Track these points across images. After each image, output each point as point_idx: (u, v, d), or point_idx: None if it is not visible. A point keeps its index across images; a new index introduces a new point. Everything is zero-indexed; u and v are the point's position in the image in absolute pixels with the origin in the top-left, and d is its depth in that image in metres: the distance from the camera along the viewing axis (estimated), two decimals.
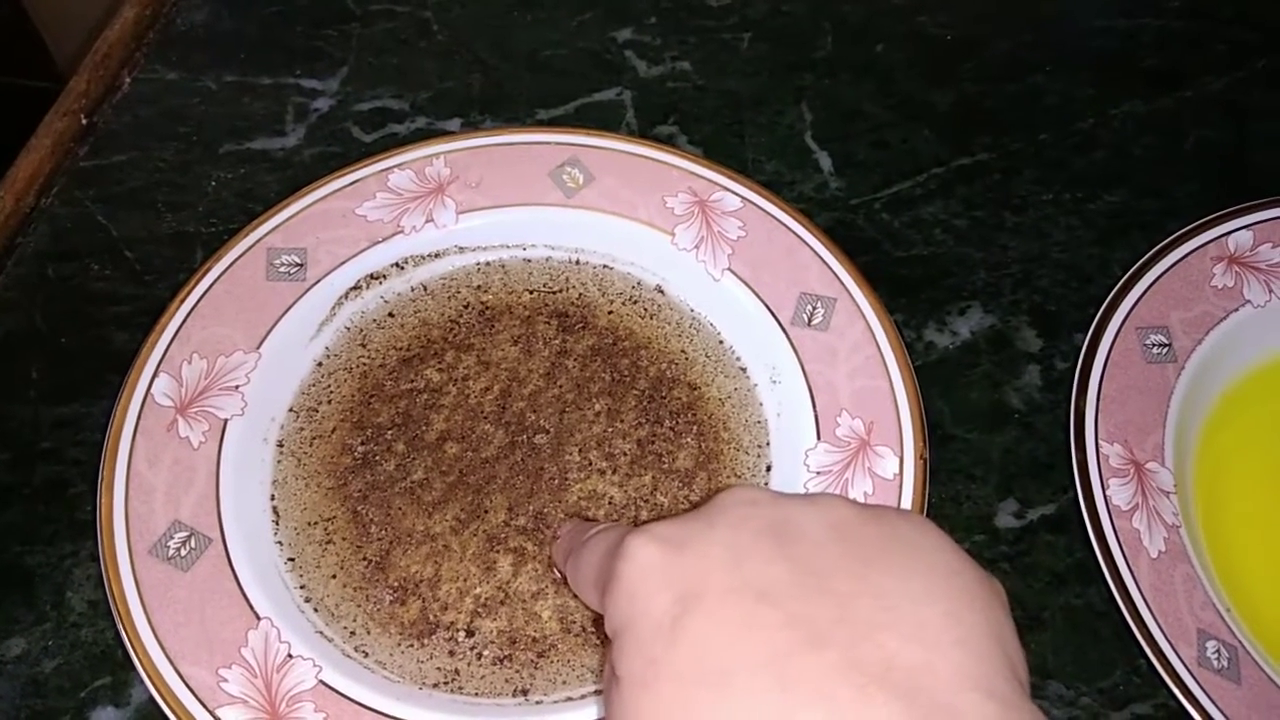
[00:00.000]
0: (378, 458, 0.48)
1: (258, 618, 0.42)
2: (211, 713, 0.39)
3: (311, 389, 0.50)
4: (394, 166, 0.54)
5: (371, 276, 0.52)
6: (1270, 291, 0.53)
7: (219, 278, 0.50)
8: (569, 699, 0.42)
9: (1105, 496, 0.46)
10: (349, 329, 0.51)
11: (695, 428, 0.49)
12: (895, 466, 0.46)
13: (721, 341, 0.52)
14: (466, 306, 0.53)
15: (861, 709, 0.25)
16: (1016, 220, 0.58)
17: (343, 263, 0.51)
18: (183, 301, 0.49)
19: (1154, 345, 0.50)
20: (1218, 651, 0.43)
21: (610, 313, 0.53)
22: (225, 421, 0.46)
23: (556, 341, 0.52)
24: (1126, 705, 0.44)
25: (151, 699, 0.40)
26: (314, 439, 0.48)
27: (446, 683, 0.42)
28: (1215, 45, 0.67)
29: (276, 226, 0.52)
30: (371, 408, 0.49)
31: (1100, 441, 0.47)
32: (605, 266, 0.54)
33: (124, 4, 0.64)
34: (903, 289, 0.55)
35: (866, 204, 0.59)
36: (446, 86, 0.62)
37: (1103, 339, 0.50)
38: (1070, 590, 0.47)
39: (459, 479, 0.48)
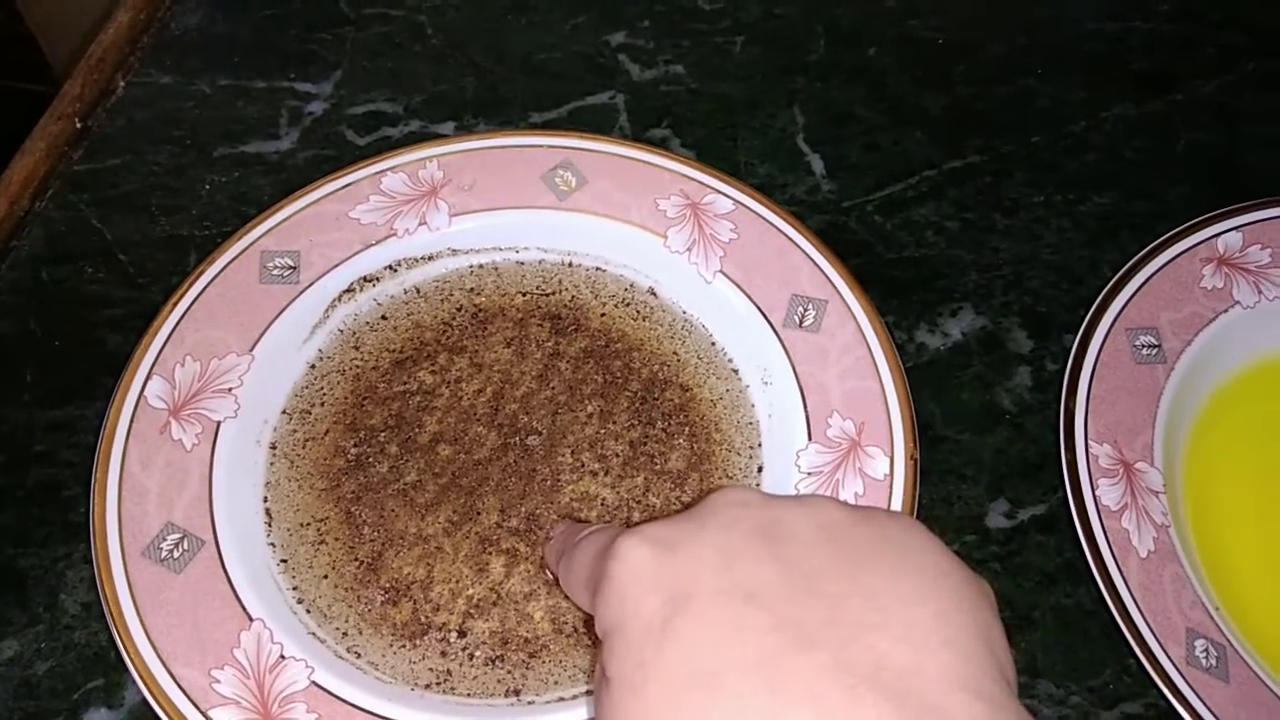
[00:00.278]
0: (370, 459, 0.48)
1: (250, 619, 0.42)
2: (204, 713, 0.39)
3: (304, 391, 0.50)
4: (387, 169, 0.54)
5: (364, 279, 0.52)
6: (1260, 293, 0.53)
7: (212, 280, 0.50)
8: (561, 699, 0.42)
9: (1095, 496, 0.46)
10: (342, 331, 0.52)
11: (687, 429, 0.49)
12: (886, 467, 0.46)
13: (713, 343, 0.52)
14: (459, 309, 0.53)
15: (851, 710, 0.25)
16: (1008, 222, 0.59)
17: (336, 265, 0.52)
18: (176, 304, 0.49)
19: (1144, 346, 0.51)
20: (1206, 650, 0.43)
21: (603, 315, 0.53)
22: (218, 424, 0.47)
23: (549, 344, 0.52)
24: (1116, 704, 0.44)
25: (144, 700, 0.40)
26: (307, 441, 0.48)
27: (439, 683, 0.42)
28: (1205, 48, 0.67)
29: (270, 229, 0.52)
30: (364, 410, 0.49)
31: (1090, 442, 0.47)
32: (598, 269, 0.54)
33: (118, 8, 0.64)
34: (894, 291, 0.55)
35: (858, 206, 0.59)
36: (440, 90, 0.63)
37: (1092, 340, 0.50)
38: (1060, 590, 0.47)
39: (452, 481, 0.48)
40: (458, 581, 0.45)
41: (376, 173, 0.54)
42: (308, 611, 0.44)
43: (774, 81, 0.64)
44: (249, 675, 0.40)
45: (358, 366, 0.51)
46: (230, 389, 0.47)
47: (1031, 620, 0.46)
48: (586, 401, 0.50)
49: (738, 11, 0.68)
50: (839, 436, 0.47)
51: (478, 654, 0.43)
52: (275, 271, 0.51)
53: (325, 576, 0.45)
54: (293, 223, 0.52)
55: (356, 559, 0.45)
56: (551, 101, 0.62)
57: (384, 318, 0.52)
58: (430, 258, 0.53)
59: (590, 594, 0.32)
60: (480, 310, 0.53)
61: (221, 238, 0.53)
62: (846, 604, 0.27)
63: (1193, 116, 0.64)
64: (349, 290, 0.52)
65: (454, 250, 0.54)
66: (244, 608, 0.42)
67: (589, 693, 0.42)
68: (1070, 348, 0.51)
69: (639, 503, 0.47)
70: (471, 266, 0.54)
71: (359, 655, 0.43)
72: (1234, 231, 0.55)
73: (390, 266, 0.53)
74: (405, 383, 0.50)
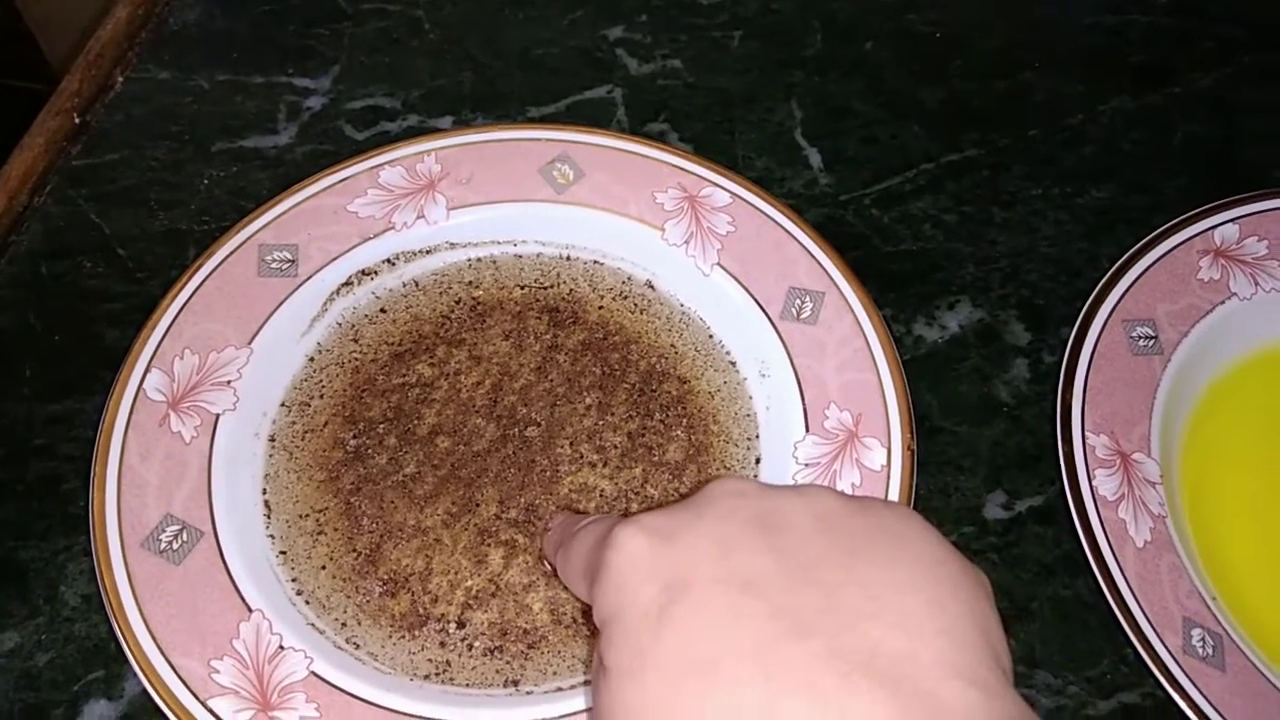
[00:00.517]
0: (369, 451, 0.48)
1: (249, 610, 0.42)
2: (203, 703, 0.39)
3: (303, 384, 0.50)
4: (385, 163, 0.54)
5: (363, 272, 0.52)
6: (1256, 284, 0.53)
7: (211, 274, 0.50)
8: (559, 689, 0.42)
9: (1092, 487, 0.46)
10: (340, 324, 0.52)
11: (685, 421, 0.50)
12: (883, 458, 0.46)
13: (711, 336, 0.52)
14: (458, 302, 0.53)
15: (845, 697, 0.25)
16: (1005, 215, 0.59)
17: (334, 259, 0.52)
18: (175, 297, 0.49)
19: (1140, 338, 0.51)
20: (1203, 639, 0.43)
21: (601, 308, 0.53)
22: (217, 416, 0.47)
23: (547, 336, 0.52)
24: (1114, 694, 0.45)
25: (144, 691, 0.40)
26: (306, 433, 0.49)
27: (437, 674, 0.43)
28: (1203, 41, 0.68)
29: (268, 223, 0.52)
30: (363, 402, 0.50)
31: (1087, 433, 0.48)
32: (596, 262, 0.54)
33: (116, 4, 0.64)
34: (892, 284, 0.56)
35: (856, 200, 0.59)
36: (438, 84, 0.63)
37: (1089, 331, 0.51)
38: (1058, 581, 0.47)
39: (450, 472, 0.48)
40: (456, 573, 0.45)
41: (374, 167, 0.54)
42: (306, 603, 0.44)
43: (771, 75, 0.64)
44: (248, 666, 0.40)
45: (356, 359, 0.51)
46: (229, 382, 0.48)
47: (1029, 611, 0.47)
48: (585, 393, 0.50)
49: (735, 6, 0.68)
50: (836, 428, 0.47)
51: (476, 645, 0.44)
52: (273, 265, 0.51)
53: (324, 568, 0.45)
54: (291, 216, 0.52)
55: (355, 550, 0.46)
56: (549, 96, 0.62)
57: (382, 311, 0.52)
58: (428, 251, 0.53)
59: (588, 584, 0.32)
60: (478, 303, 0.53)
61: (220, 232, 0.53)
62: (842, 593, 0.27)
63: (1190, 110, 0.64)
64: (347, 283, 0.52)
65: (452, 244, 0.54)
66: (243, 599, 0.42)
67: (587, 683, 0.42)
68: (1067, 340, 0.51)
69: (637, 494, 0.48)
70: (469, 260, 0.54)
71: (358, 646, 0.43)
72: (1231, 224, 0.55)
73: (388, 260, 0.53)
74: (404, 375, 0.50)
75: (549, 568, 0.45)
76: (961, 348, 0.54)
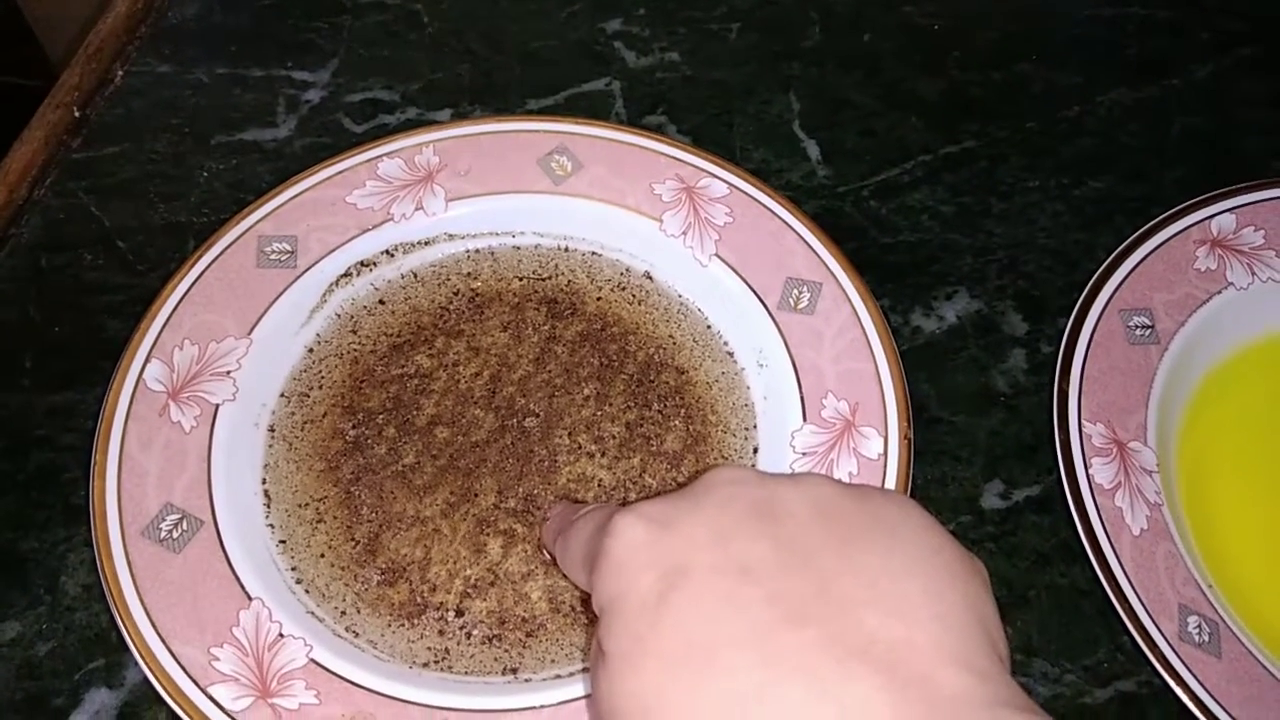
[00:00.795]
0: (369, 442, 0.48)
1: (249, 598, 0.42)
2: (204, 690, 0.39)
3: (303, 374, 0.50)
4: (384, 155, 0.54)
5: (362, 264, 0.52)
6: (1253, 274, 0.54)
7: (210, 265, 0.50)
8: (558, 677, 0.42)
9: (1088, 476, 0.46)
10: (339, 315, 0.52)
11: (683, 411, 0.50)
12: (880, 446, 0.46)
13: (709, 326, 0.52)
14: (456, 293, 0.53)
15: (842, 683, 0.25)
16: (1003, 206, 0.59)
17: (333, 250, 0.52)
18: (174, 288, 0.49)
19: (1137, 327, 0.51)
20: (1199, 626, 0.43)
21: (599, 299, 0.53)
22: (217, 406, 0.47)
23: (546, 327, 0.52)
24: (1110, 682, 0.45)
25: (145, 680, 0.41)
26: (305, 423, 0.49)
27: (436, 662, 0.43)
28: (1200, 33, 0.68)
29: (267, 214, 0.52)
30: (362, 393, 0.50)
31: (1084, 422, 0.48)
32: (594, 253, 0.54)
33: None
34: (890, 275, 0.56)
35: (854, 191, 0.59)
36: (437, 77, 0.63)
37: (1086, 321, 0.51)
38: (1055, 569, 0.47)
39: (449, 462, 0.48)
40: (455, 562, 0.45)
41: (373, 159, 0.54)
42: (306, 591, 0.44)
43: (769, 67, 0.65)
44: (248, 653, 0.41)
45: (355, 350, 0.51)
46: (228, 372, 0.48)
47: (1026, 600, 0.47)
48: (583, 384, 0.50)
49: None
50: (833, 417, 0.47)
51: (475, 633, 0.44)
52: (273, 256, 0.51)
53: (323, 556, 0.45)
54: (290, 208, 0.52)
55: (354, 539, 0.46)
56: (547, 88, 0.63)
57: (381, 302, 0.52)
58: (427, 243, 0.54)
59: (587, 572, 0.32)
60: (477, 295, 0.53)
61: (219, 224, 0.53)
62: (839, 580, 0.27)
63: (1187, 101, 0.64)
64: (346, 275, 0.52)
65: (450, 235, 0.54)
66: (243, 587, 0.42)
67: (585, 670, 0.43)
68: (1064, 330, 0.51)
69: (635, 483, 0.48)
70: (468, 251, 0.54)
71: (357, 634, 0.43)
72: (1227, 214, 0.55)
73: (387, 251, 0.53)
74: (403, 366, 0.51)
75: (548, 556, 0.45)
76: (959, 338, 0.54)
